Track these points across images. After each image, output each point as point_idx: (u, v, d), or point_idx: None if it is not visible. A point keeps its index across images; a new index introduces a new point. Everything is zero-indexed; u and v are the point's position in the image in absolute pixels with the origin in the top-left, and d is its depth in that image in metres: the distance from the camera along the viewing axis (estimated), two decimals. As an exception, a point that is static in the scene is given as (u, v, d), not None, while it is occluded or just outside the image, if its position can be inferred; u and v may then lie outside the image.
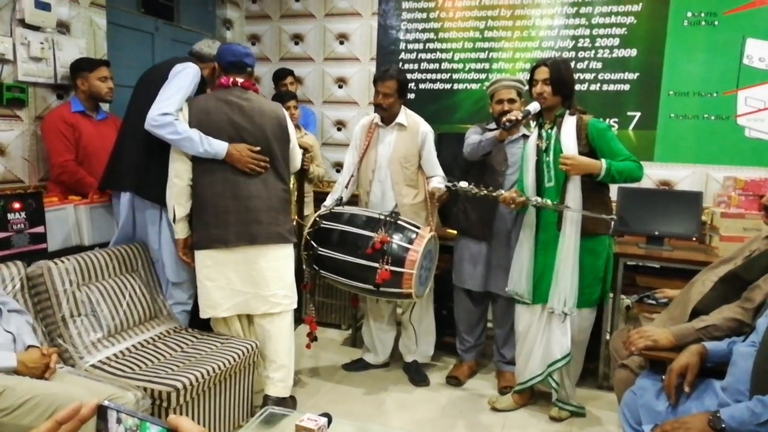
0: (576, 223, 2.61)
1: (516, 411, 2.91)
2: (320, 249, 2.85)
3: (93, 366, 2.29)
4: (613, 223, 2.52)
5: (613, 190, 2.89)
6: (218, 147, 2.49)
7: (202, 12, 4.50)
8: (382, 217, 2.82)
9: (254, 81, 2.88)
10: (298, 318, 3.66)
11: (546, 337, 2.74)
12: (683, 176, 3.77)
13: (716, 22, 3.63)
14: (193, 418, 2.29)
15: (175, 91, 2.50)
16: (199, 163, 2.52)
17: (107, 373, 2.26)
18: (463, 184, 2.68)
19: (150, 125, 2.44)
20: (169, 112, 2.43)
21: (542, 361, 2.76)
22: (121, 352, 2.43)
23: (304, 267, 3.01)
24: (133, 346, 2.50)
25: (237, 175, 2.55)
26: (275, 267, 2.65)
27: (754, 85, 3.59)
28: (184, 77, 2.54)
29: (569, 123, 2.62)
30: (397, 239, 2.74)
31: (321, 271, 2.91)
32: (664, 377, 1.78)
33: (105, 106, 3.26)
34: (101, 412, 0.77)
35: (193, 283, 2.73)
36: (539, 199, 2.64)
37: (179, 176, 2.51)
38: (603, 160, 2.55)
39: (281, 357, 2.68)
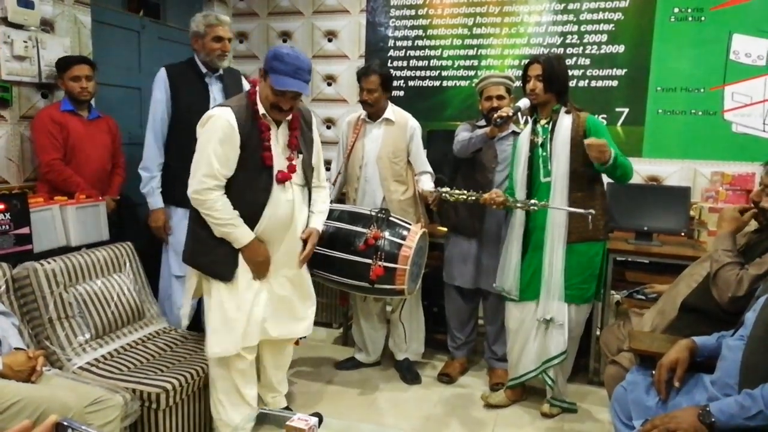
0: (563, 225, 2.63)
1: (508, 407, 2.92)
2: (311, 247, 2.83)
3: (81, 368, 2.27)
4: (590, 217, 2.52)
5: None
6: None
7: (189, 9, 4.44)
8: (372, 213, 2.81)
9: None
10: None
11: (542, 333, 2.74)
12: (671, 171, 3.79)
13: (703, 18, 3.65)
14: (182, 420, 2.27)
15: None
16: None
17: (95, 375, 2.24)
18: (446, 189, 2.70)
19: None
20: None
21: (537, 357, 2.76)
22: (109, 353, 2.41)
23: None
24: (122, 347, 2.48)
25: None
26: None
27: (740, 80, 3.61)
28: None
29: (566, 121, 2.62)
30: (389, 235, 2.73)
31: (312, 270, 2.88)
32: (653, 372, 1.79)
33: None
34: (59, 429, 0.78)
35: None
36: (518, 200, 2.65)
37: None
38: (612, 150, 2.49)
39: (282, 385, 2.67)
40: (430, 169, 3.14)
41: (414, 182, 3.13)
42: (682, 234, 3.32)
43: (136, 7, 3.97)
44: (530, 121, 2.78)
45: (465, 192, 2.66)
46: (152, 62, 3.91)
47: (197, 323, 2.73)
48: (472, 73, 4.16)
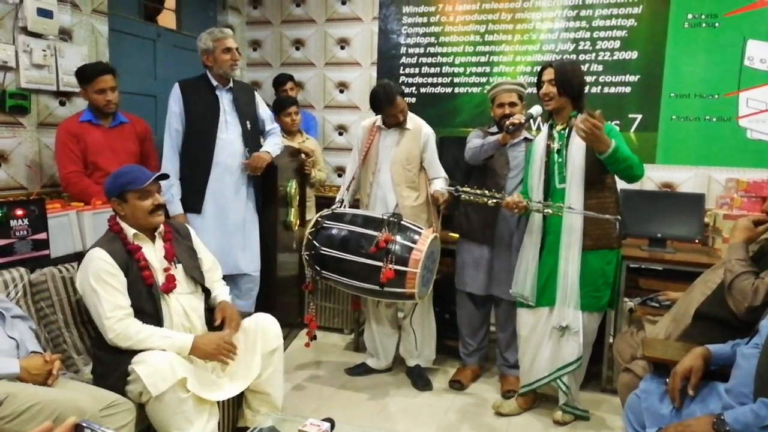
0: (578, 231, 2.61)
1: (520, 415, 2.91)
2: (322, 248, 2.84)
3: (96, 372, 2.29)
4: (617, 223, 2.51)
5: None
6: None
7: (204, 18, 4.51)
8: (384, 217, 2.82)
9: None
10: (301, 322, 3.67)
11: (554, 340, 2.73)
12: (685, 178, 3.76)
13: (717, 24, 3.64)
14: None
15: None
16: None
17: (110, 379, 2.25)
18: (467, 189, 2.68)
19: None
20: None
21: (550, 364, 2.75)
22: (124, 357, 2.43)
23: (305, 268, 3.00)
24: (136, 351, 2.49)
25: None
26: None
27: (755, 86, 3.59)
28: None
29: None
30: (400, 239, 2.73)
31: (323, 272, 2.90)
32: (667, 380, 1.78)
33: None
34: (77, 430, 0.78)
35: None
36: (540, 204, 2.63)
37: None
38: (613, 141, 2.47)
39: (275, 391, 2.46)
40: (444, 174, 3.15)
41: (427, 188, 3.14)
42: (696, 241, 3.29)
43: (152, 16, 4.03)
44: (545, 125, 2.77)
45: (485, 192, 2.64)
46: (168, 70, 3.97)
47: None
48: (484, 79, 4.17)
